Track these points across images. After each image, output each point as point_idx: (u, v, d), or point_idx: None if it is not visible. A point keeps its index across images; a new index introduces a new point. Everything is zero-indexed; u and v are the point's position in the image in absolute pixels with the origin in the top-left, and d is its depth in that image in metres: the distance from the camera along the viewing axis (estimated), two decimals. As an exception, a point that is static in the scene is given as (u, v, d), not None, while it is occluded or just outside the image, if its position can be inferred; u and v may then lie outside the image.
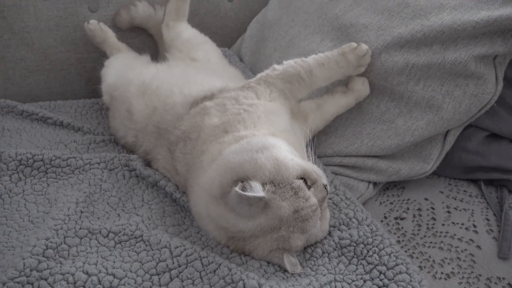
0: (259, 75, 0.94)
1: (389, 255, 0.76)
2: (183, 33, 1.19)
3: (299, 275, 0.75)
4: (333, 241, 0.79)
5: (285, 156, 0.75)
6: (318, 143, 1.05)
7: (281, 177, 0.72)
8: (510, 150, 1.02)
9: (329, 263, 0.77)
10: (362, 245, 0.78)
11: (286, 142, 0.80)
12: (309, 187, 0.75)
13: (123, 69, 1.15)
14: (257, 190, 0.69)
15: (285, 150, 0.77)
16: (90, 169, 0.97)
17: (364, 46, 0.94)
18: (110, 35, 1.28)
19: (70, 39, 1.33)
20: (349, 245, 0.79)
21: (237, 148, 0.77)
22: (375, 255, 0.77)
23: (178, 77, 1.03)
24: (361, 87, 0.98)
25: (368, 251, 0.77)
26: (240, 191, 0.68)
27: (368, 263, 0.76)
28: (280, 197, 0.71)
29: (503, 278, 0.82)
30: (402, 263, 0.75)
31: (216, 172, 0.76)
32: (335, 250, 0.78)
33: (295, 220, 0.72)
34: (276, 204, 0.71)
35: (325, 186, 0.76)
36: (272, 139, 0.78)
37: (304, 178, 0.74)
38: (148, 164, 1.00)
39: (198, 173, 0.81)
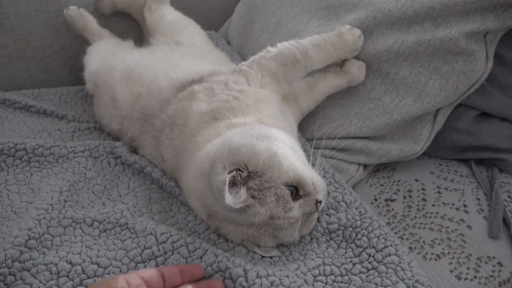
0: (252, 58, 0.90)
1: (378, 237, 0.75)
2: (166, 16, 1.16)
3: (287, 260, 0.75)
4: (321, 226, 0.78)
5: (284, 155, 0.70)
6: (306, 125, 1.04)
7: (270, 175, 0.68)
8: (500, 129, 1.01)
9: (318, 248, 0.76)
10: (350, 229, 0.77)
11: (286, 134, 0.77)
12: (299, 197, 0.70)
13: (106, 56, 1.12)
14: (241, 195, 0.65)
15: (288, 147, 0.73)
16: (74, 157, 0.95)
17: (357, 29, 0.93)
18: (91, 21, 1.25)
19: (52, 24, 1.29)
20: (338, 229, 0.78)
21: (241, 131, 0.74)
22: (364, 238, 0.76)
23: (163, 62, 1.00)
24: (356, 72, 0.95)
25: (356, 234, 0.76)
26: (227, 186, 0.64)
27: (357, 246, 0.75)
28: (259, 202, 0.67)
29: (493, 257, 0.82)
30: (391, 245, 0.74)
31: (214, 147, 0.73)
32: (323, 235, 0.77)
33: (268, 226, 0.69)
34: (253, 210, 0.67)
35: (316, 203, 0.71)
36: (276, 131, 0.75)
37: (296, 187, 0.70)
38: (134, 151, 0.98)
39: (192, 152, 0.78)
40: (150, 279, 0.61)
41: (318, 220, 0.80)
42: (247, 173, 0.68)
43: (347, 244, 0.77)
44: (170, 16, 1.17)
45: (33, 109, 1.16)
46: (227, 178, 0.65)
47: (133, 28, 1.37)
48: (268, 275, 0.67)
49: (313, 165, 0.77)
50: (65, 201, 0.83)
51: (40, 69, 1.34)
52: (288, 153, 0.71)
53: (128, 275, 0.60)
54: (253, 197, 0.67)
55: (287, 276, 0.68)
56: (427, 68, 0.92)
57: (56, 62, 1.34)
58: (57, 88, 1.29)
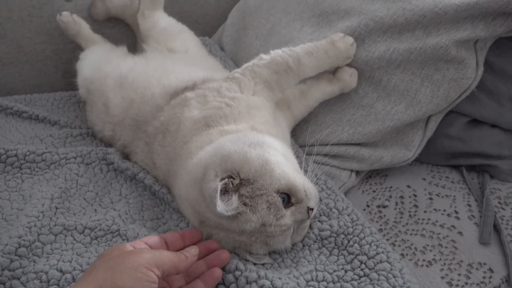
0: (245, 65, 0.90)
1: (370, 244, 0.75)
2: (160, 22, 1.16)
3: (280, 266, 0.75)
4: (313, 233, 0.78)
5: (276, 162, 0.69)
6: (299, 132, 1.04)
7: (262, 183, 0.68)
8: (490, 136, 1.02)
9: (310, 255, 0.76)
10: (342, 235, 0.77)
11: (278, 140, 0.77)
12: (291, 204, 0.70)
13: (99, 62, 1.12)
14: (232, 202, 0.65)
15: (280, 154, 0.73)
16: (66, 163, 0.95)
17: (350, 37, 0.93)
18: (84, 27, 1.24)
19: (45, 29, 1.29)
20: (330, 236, 0.78)
21: (233, 138, 0.74)
22: (355, 244, 0.76)
23: (156, 69, 1.00)
24: (349, 79, 0.96)
25: (348, 241, 0.77)
26: (218, 193, 0.64)
27: (349, 253, 0.76)
28: (251, 209, 0.67)
29: (484, 264, 0.83)
30: (382, 252, 0.74)
31: (207, 154, 0.73)
32: (315, 242, 0.77)
33: (260, 233, 0.68)
34: (245, 217, 0.67)
35: (308, 210, 0.71)
36: (268, 138, 0.75)
37: (288, 194, 0.70)
38: (126, 157, 0.98)
39: (184, 158, 0.78)
40: (154, 244, 0.65)
41: (310, 227, 0.80)
42: (239, 181, 0.68)
43: (339, 251, 0.77)
44: (163, 22, 1.17)
45: (25, 115, 1.15)
46: (219, 185, 0.65)
47: (126, 34, 1.37)
48: (259, 277, 0.67)
49: (306, 171, 0.77)
50: (56, 208, 0.83)
51: (32, 74, 1.33)
52: (280, 160, 0.71)
53: (134, 242, 0.64)
54: (244, 204, 0.67)
55: (279, 278, 0.69)
56: (418, 76, 0.93)
57: (49, 67, 1.34)
58: (50, 94, 1.28)
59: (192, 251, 0.65)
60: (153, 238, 0.66)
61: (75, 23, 1.23)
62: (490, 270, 0.82)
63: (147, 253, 0.58)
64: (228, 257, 0.70)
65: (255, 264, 0.73)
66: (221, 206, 0.64)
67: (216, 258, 0.69)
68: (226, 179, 0.67)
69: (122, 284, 0.53)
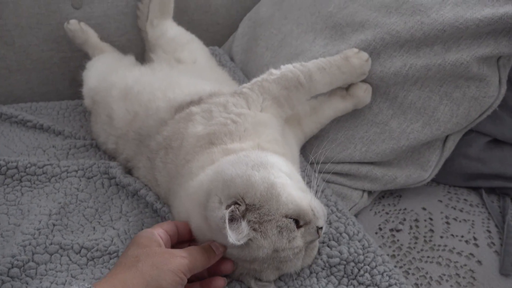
0: (254, 80, 0.86)
1: (382, 274, 0.71)
2: (168, 32, 1.13)
3: (285, 293, 0.70)
4: (322, 260, 0.73)
5: (282, 184, 0.66)
6: (309, 148, 1.00)
7: (269, 208, 0.64)
8: (513, 157, 0.97)
9: (317, 284, 0.71)
10: (352, 263, 0.73)
11: (282, 159, 0.73)
12: (300, 226, 0.66)
13: (106, 72, 1.09)
14: (243, 229, 0.62)
15: (285, 174, 0.69)
16: (67, 177, 0.92)
17: (364, 53, 0.89)
18: (91, 35, 1.22)
19: (53, 37, 1.27)
20: (339, 264, 0.73)
21: (234, 160, 0.70)
22: (366, 274, 0.71)
23: (162, 81, 0.97)
24: (363, 94, 0.91)
25: (359, 270, 0.72)
26: (227, 223, 0.60)
27: (359, 283, 0.71)
28: (262, 235, 0.63)
29: (505, 297, 0.77)
30: (395, 283, 0.70)
31: (207, 177, 0.70)
32: (323, 269, 0.73)
33: (272, 259, 0.65)
34: (256, 244, 0.63)
35: (318, 230, 0.67)
36: (272, 157, 0.71)
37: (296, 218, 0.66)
38: (129, 171, 0.95)
39: (185, 179, 0.75)
40: (170, 231, 0.67)
41: (319, 252, 0.75)
42: (245, 207, 0.64)
43: (349, 280, 0.72)
44: (172, 31, 1.14)
45: (30, 124, 1.13)
46: (226, 214, 0.61)
47: (135, 43, 1.35)
48: None
49: (312, 187, 0.73)
50: (54, 225, 0.80)
51: (39, 82, 1.31)
52: (285, 182, 0.67)
53: (156, 229, 0.66)
54: (254, 230, 0.63)
55: None
56: (437, 93, 0.88)
57: (56, 75, 1.32)
58: (56, 102, 1.26)
59: (221, 249, 0.66)
60: (169, 224, 0.68)
61: (83, 31, 1.21)
62: (511, 303, 0.76)
63: (185, 259, 0.61)
64: (222, 285, 0.67)
65: None
66: (232, 236, 0.60)
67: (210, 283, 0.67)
68: (233, 206, 0.63)
69: (164, 285, 0.57)
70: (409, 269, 0.83)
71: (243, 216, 0.63)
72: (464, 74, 0.85)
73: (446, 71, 0.85)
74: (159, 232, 0.64)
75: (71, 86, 1.33)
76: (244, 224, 0.62)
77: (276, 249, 0.64)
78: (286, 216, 0.65)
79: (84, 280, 0.69)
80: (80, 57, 1.28)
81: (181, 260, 0.60)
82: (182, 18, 1.27)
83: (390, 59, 0.90)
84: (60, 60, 1.30)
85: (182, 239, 0.69)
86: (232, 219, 0.62)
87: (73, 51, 1.30)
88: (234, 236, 0.60)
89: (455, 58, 0.84)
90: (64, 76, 1.33)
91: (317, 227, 0.67)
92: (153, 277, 0.56)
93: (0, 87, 1.28)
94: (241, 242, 0.61)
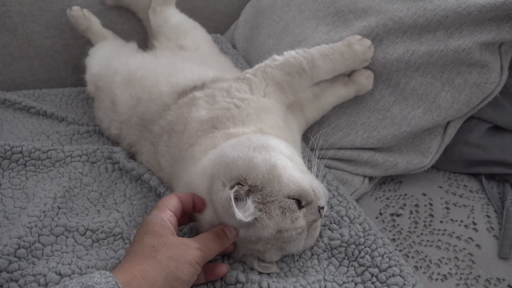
0: (257, 66, 0.87)
1: (382, 256, 0.72)
2: (171, 19, 1.13)
3: (286, 275, 0.71)
4: (323, 242, 0.75)
5: (283, 166, 0.66)
6: (311, 134, 1.00)
7: (271, 189, 0.65)
8: (513, 144, 0.97)
9: (319, 265, 0.73)
10: (353, 246, 0.74)
11: (283, 142, 0.74)
12: (302, 206, 0.67)
13: (108, 58, 1.09)
14: (249, 207, 0.62)
15: (286, 157, 0.70)
16: (71, 161, 0.93)
17: (367, 39, 0.89)
18: (94, 22, 1.22)
19: (55, 24, 1.27)
20: (340, 246, 0.74)
21: (236, 143, 0.70)
22: (367, 256, 0.72)
23: (165, 66, 0.97)
24: (365, 81, 0.92)
25: (359, 252, 0.73)
26: (233, 202, 0.61)
27: (360, 265, 0.72)
28: (266, 215, 0.64)
29: (503, 280, 0.78)
30: (395, 265, 0.71)
31: (210, 162, 0.71)
32: (324, 251, 0.74)
33: (276, 239, 0.66)
34: (262, 224, 0.64)
35: (319, 209, 0.68)
36: (273, 140, 0.71)
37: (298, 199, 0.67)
38: (132, 156, 0.96)
39: (188, 163, 0.76)
40: (174, 209, 0.67)
41: (320, 235, 0.76)
42: (248, 187, 0.65)
43: (349, 262, 0.73)
44: (174, 18, 1.14)
45: (33, 110, 1.14)
46: (231, 193, 0.62)
47: (137, 30, 1.35)
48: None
49: (313, 171, 0.74)
50: (59, 208, 0.81)
51: (42, 69, 1.32)
52: (286, 164, 0.68)
53: (162, 211, 0.65)
54: (259, 210, 0.64)
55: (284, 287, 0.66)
56: (439, 79, 0.88)
57: (59, 62, 1.32)
58: (59, 89, 1.27)
59: (233, 232, 0.66)
60: (174, 202, 0.67)
61: (85, 18, 1.21)
62: (509, 286, 0.77)
63: (200, 250, 0.61)
64: (225, 272, 0.68)
65: (260, 273, 0.70)
66: (238, 213, 0.61)
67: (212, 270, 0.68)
68: (236, 186, 0.64)
69: (182, 276, 0.58)
70: (409, 252, 0.84)
71: (248, 196, 0.64)
72: (466, 61, 0.85)
73: (448, 57, 0.85)
74: (168, 217, 0.64)
75: (73, 73, 1.33)
76: (249, 202, 0.63)
77: (280, 229, 0.65)
78: (288, 197, 0.65)
79: (89, 261, 0.70)
80: (82, 44, 1.28)
81: (197, 252, 0.60)
82: (184, 5, 1.27)
83: (392, 46, 0.90)
84: (62, 47, 1.31)
85: (186, 211, 0.70)
86: (237, 199, 0.63)
87: (75, 38, 1.30)
88: (241, 214, 0.61)
89: (457, 44, 0.84)
90: (66, 63, 1.33)
91: (318, 206, 0.68)
92: (171, 269, 0.57)
93: (3, 74, 1.28)
94: (249, 219, 0.62)
